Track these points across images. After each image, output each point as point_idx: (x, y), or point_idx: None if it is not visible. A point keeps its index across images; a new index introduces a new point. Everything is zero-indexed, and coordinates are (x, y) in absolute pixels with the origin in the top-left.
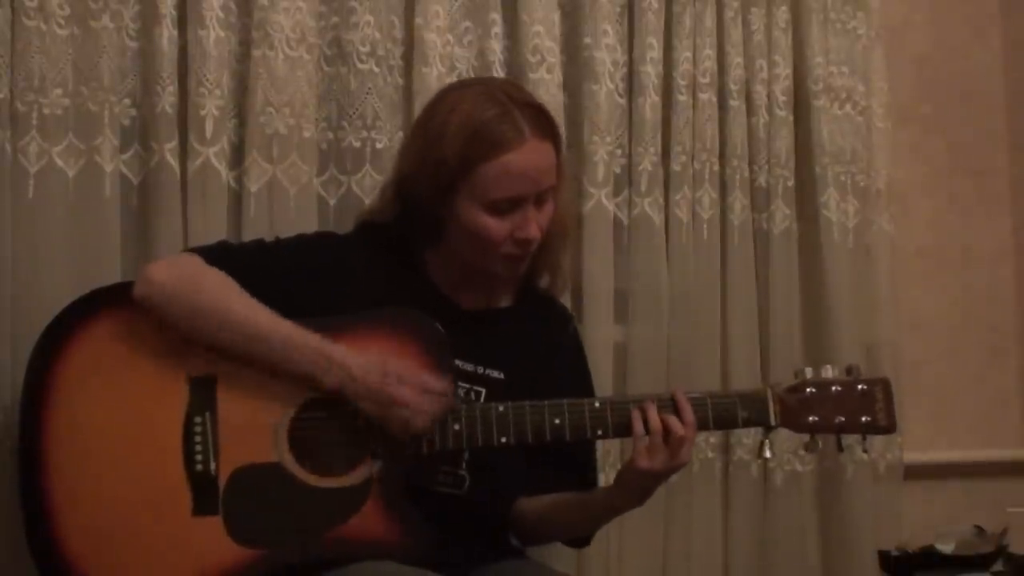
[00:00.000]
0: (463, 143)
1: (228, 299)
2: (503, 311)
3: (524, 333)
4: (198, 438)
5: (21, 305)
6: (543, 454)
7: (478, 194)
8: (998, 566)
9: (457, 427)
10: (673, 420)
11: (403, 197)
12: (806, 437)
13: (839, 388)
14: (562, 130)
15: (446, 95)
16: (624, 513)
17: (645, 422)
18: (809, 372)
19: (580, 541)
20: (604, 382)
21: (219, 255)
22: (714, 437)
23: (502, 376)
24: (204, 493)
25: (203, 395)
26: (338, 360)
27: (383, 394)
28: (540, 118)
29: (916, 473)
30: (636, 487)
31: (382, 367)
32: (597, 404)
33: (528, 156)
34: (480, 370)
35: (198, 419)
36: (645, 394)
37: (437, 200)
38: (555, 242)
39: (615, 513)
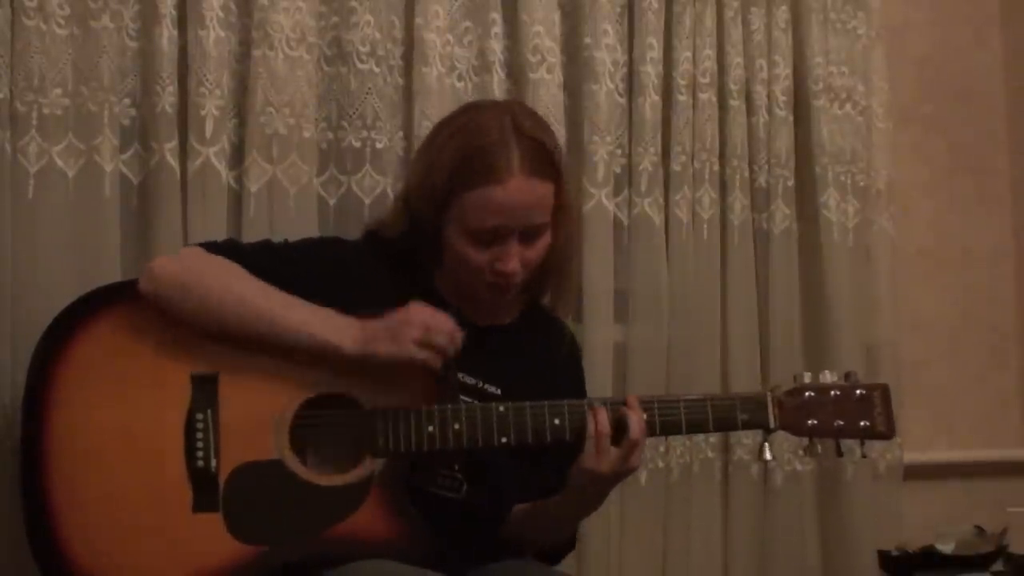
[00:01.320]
0: (454, 167)
1: (237, 281)
2: (506, 327)
3: (524, 351)
4: (199, 435)
5: (21, 305)
6: (542, 459)
7: (461, 221)
8: (998, 566)
9: (457, 427)
10: (623, 423)
11: (409, 212)
12: (805, 440)
13: (838, 393)
14: (562, 132)
15: (458, 114)
16: (582, 519)
17: (596, 424)
18: (808, 377)
19: (551, 556)
20: (604, 382)
21: (226, 251)
22: (714, 437)
23: (499, 392)
24: (205, 490)
25: (205, 392)
26: (353, 321)
27: (396, 327)
28: (539, 154)
29: (916, 473)
30: (586, 490)
31: (388, 340)
32: (596, 403)
33: (513, 192)
34: (479, 384)
35: (199, 416)
36: (645, 396)
37: (432, 219)
38: (559, 267)
39: (572, 519)
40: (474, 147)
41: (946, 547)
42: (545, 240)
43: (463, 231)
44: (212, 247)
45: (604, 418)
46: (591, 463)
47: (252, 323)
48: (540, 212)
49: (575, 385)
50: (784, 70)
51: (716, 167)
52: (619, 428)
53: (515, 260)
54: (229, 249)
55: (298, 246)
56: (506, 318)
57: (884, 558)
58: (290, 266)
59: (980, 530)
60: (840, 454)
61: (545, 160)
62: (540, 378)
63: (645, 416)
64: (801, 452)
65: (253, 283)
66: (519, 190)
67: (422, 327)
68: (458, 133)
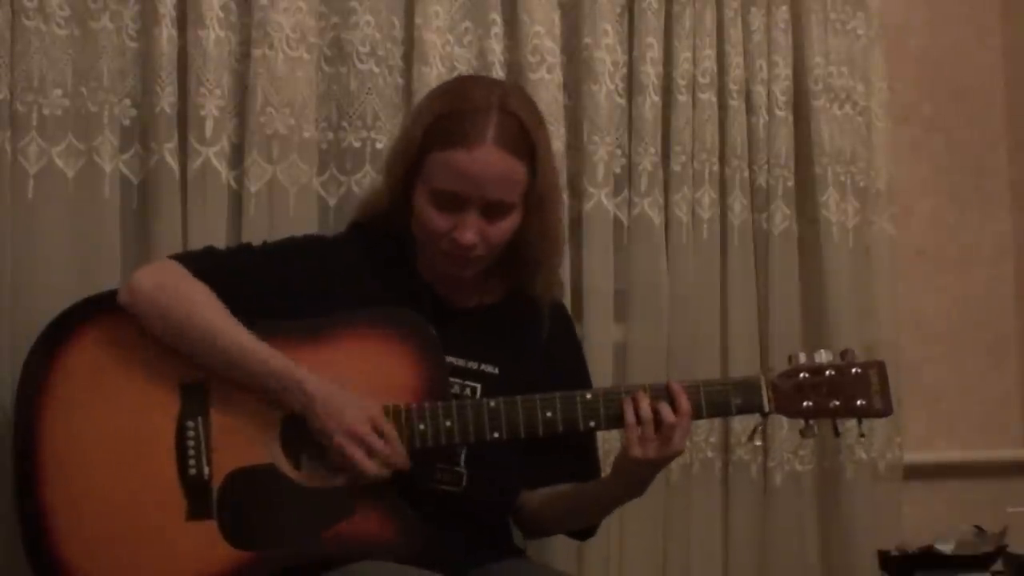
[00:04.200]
0: (429, 124)
1: (205, 314)
2: (494, 307)
3: (516, 328)
4: (191, 443)
5: (21, 305)
6: (543, 447)
7: (426, 180)
8: (998, 566)
9: (449, 423)
10: (664, 408)
11: (387, 173)
12: (801, 422)
13: (833, 372)
14: (562, 132)
15: (451, 80)
16: (626, 503)
17: (637, 411)
18: (803, 357)
19: (583, 533)
20: (604, 382)
21: (205, 262)
22: (714, 437)
23: (497, 371)
24: (198, 497)
25: (194, 400)
26: (305, 388)
27: (334, 441)
28: (516, 131)
29: (916, 473)
30: (633, 477)
31: (340, 413)
32: (589, 396)
33: (478, 160)
34: (474, 366)
35: (190, 424)
36: (638, 384)
37: (403, 178)
38: (537, 258)
39: (616, 503)
40: (453, 109)
41: (946, 547)
42: (510, 222)
43: (427, 190)
44: (192, 259)
45: (645, 405)
46: (638, 451)
47: (216, 356)
48: (505, 188)
49: (574, 356)
50: (784, 70)
51: (716, 167)
52: (657, 414)
53: (472, 232)
54: (208, 259)
55: (278, 247)
56: (490, 299)
57: (884, 558)
58: (269, 267)
59: (980, 530)
60: (837, 434)
61: (520, 138)
62: (538, 352)
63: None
64: (799, 436)
65: (222, 317)
66: (485, 159)
67: (366, 437)
68: (444, 95)
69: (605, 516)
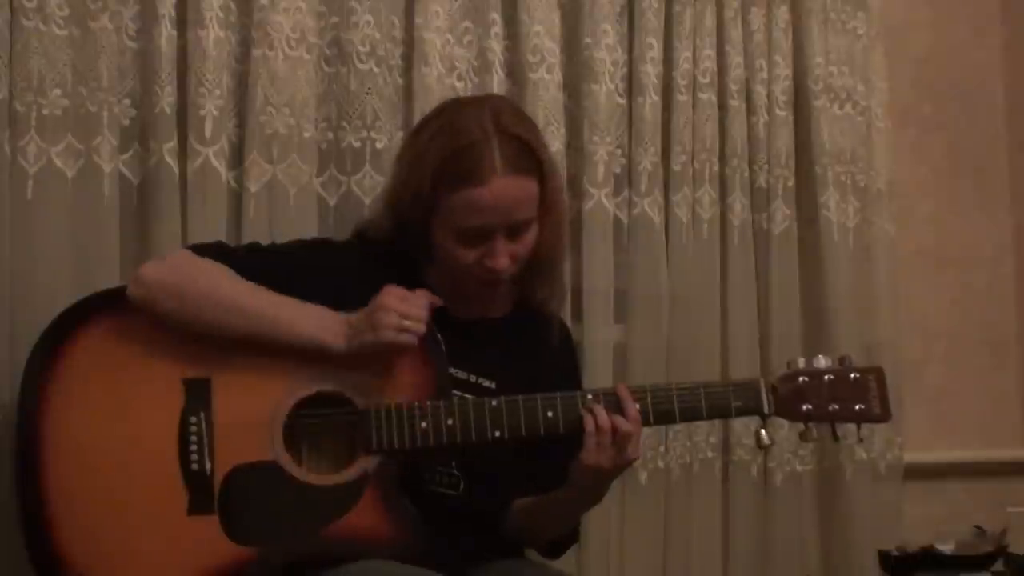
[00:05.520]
0: (436, 170)
1: (228, 283)
2: (497, 321)
3: (517, 344)
4: (193, 438)
5: (20, 305)
6: (538, 453)
7: (447, 221)
8: (998, 566)
9: (451, 422)
10: (619, 419)
11: (393, 211)
12: (801, 426)
13: (832, 377)
14: (562, 132)
15: (439, 114)
16: (585, 511)
17: (596, 421)
18: (802, 362)
19: (550, 551)
20: (604, 382)
21: (214, 253)
22: (714, 437)
23: (494, 386)
24: (200, 493)
25: (197, 396)
26: (339, 317)
27: (373, 315)
28: (521, 151)
29: (916, 473)
30: (588, 485)
31: (368, 315)
32: (590, 396)
33: (496, 191)
34: (472, 379)
35: (193, 419)
36: (637, 385)
37: (417, 219)
38: (549, 262)
39: (574, 513)
40: (455, 148)
41: (946, 547)
42: (532, 234)
43: (450, 230)
44: (201, 249)
45: (603, 414)
46: (592, 459)
47: (244, 324)
48: (525, 208)
49: (570, 376)
50: (784, 70)
51: (716, 167)
52: (613, 424)
53: (503, 257)
54: (218, 251)
55: (286, 248)
56: (498, 312)
57: (884, 558)
58: (279, 268)
59: (980, 530)
60: (836, 439)
61: (527, 156)
62: (534, 371)
63: (638, 406)
64: (798, 439)
65: (243, 284)
66: (502, 189)
67: (395, 310)
68: (439, 134)
69: (566, 526)
